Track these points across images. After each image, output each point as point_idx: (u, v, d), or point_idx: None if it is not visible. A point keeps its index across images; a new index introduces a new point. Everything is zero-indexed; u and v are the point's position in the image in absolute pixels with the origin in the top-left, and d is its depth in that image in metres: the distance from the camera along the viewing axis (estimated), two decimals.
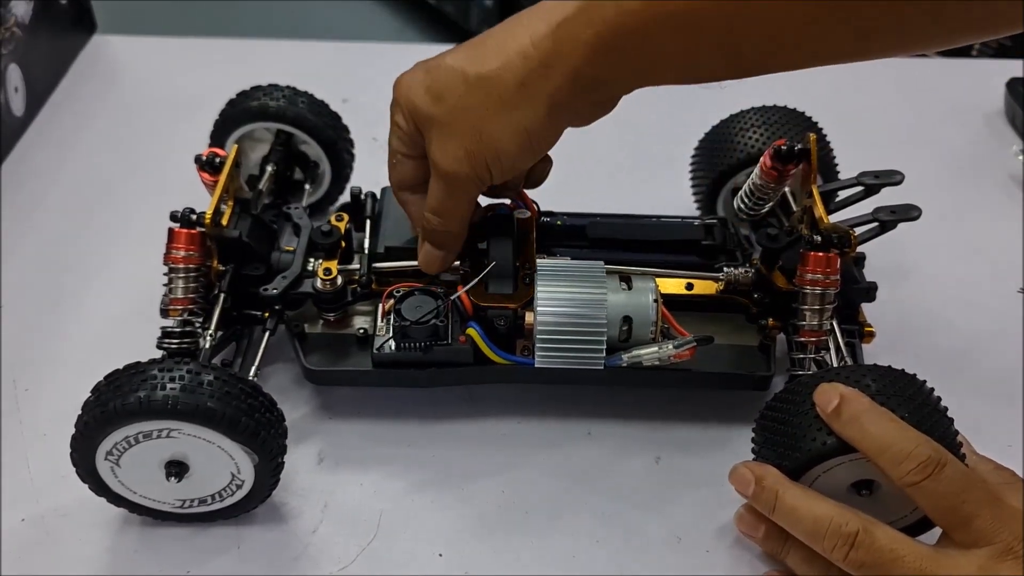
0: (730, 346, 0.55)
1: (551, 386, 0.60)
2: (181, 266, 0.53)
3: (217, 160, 0.57)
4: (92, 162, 0.76)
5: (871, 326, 0.56)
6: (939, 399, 0.47)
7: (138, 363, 0.47)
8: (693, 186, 0.67)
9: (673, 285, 0.56)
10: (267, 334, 0.55)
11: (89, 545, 0.51)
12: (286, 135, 0.64)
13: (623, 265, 0.55)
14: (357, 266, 0.56)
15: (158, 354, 0.52)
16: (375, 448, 0.56)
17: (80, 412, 0.47)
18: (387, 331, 0.53)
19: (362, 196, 0.60)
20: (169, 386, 0.45)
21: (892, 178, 0.54)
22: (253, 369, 0.53)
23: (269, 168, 0.63)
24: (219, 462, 0.48)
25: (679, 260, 0.57)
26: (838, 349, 0.53)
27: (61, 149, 0.78)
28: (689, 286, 0.57)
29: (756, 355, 0.55)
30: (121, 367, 0.48)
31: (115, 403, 0.45)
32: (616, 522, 0.53)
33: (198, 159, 0.57)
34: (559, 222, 0.59)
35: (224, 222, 0.54)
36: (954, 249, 0.67)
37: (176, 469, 0.48)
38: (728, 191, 0.64)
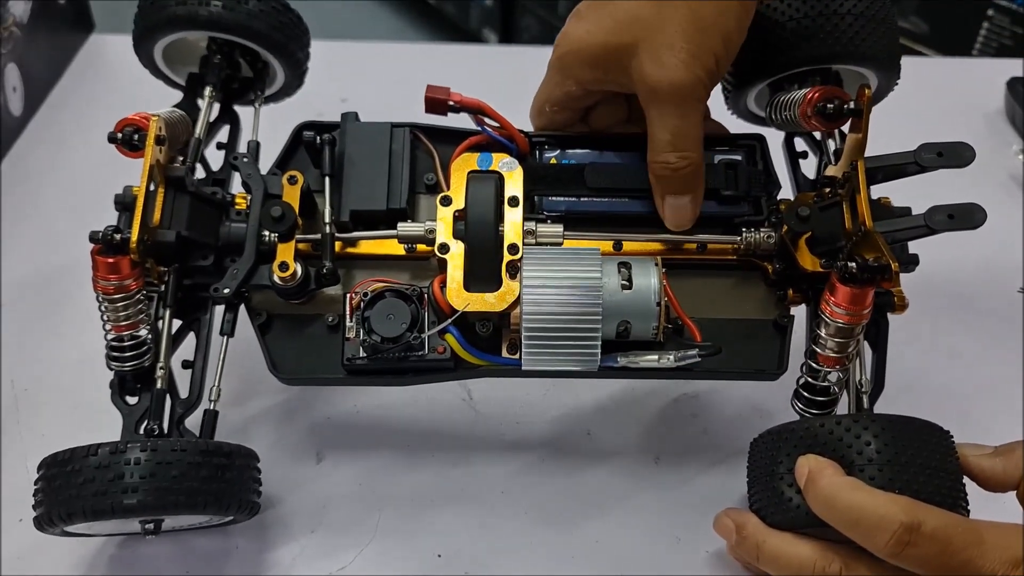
0: (741, 321, 0.50)
1: (550, 387, 0.60)
2: (114, 295, 0.46)
3: (136, 137, 0.48)
4: (91, 161, 0.76)
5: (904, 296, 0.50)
6: (948, 442, 0.45)
7: (73, 454, 0.43)
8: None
9: (685, 243, 0.51)
10: (225, 338, 0.50)
11: (89, 545, 0.51)
12: (223, 40, 0.57)
13: (627, 221, 0.50)
14: (319, 236, 0.50)
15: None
16: (374, 448, 0.56)
17: (33, 496, 0.45)
18: (356, 333, 0.47)
19: (318, 142, 0.51)
20: (111, 490, 0.42)
21: (959, 159, 0.48)
22: (214, 390, 0.49)
23: (206, 96, 0.56)
24: (193, 516, 0.47)
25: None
26: (858, 391, 0.49)
27: (60, 148, 0.78)
28: (702, 246, 0.51)
29: (769, 337, 0.50)
30: (56, 455, 0.44)
31: (59, 511, 0.43)
32: (615, 522, 0.53)
33: (112, 136, 0.49)
34: (552, 159, 0.52)
35: (156, 217, 0.47)
36: (953, 249, 0.67)
37: (152, 525, 0.46)
38: (764, 86, 0.57)
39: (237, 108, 0.61)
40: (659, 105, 0.46)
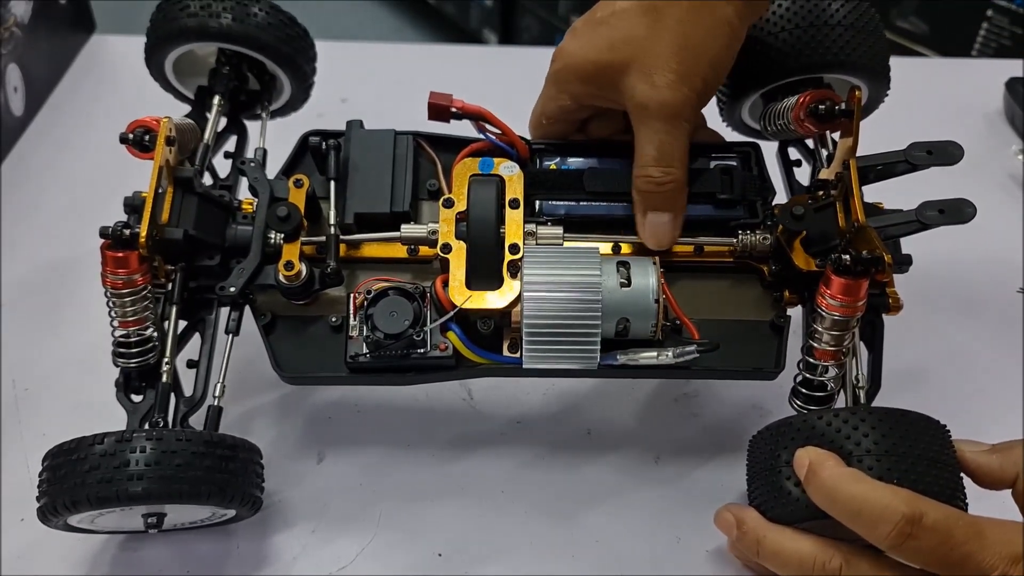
0: (739, 322, 0.50)
1: (550, 386, 0.60)
2: (122, 290, 0.47)
3: (147, 138, 0.49)
4: (92, 162, 0.76)
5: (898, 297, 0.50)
6: (945, 436, 0.45)
7: (79, 444, 0.44)
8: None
9: (682, 246, 0.51)
10: (230, 337, 0.50)
11: (89, 545, 0.51)
12: (232, 53, 0.58)
13: (624, 224, 0.51)
14: (323, 238, 0.50)
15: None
16: (375, 448, 0.56)
17: (37, 488, 0.45)
18: (360, 331, 0.48)
19: (323, 147, 0.52)
20: (116, 477, 0.42)
21: (948, 157, 0.49)
22: (218, 387, 0.50)
23: (215, 106, 0.57)
24: (196, 509, 0.47)
25: (692, 215, 0.51)
26: (854, 388, 0.49)
27: (61, 149, 0.78)
28: (699, 248, 0.51)
29: (767, 337, 0.50)
30: (62, 445, 0.45)
31: (63, 499, 0.43)
32: (615, 522, 0.53)
33: (123, 137, 0.50)
34: (552, 165, 0.53)
35: (165, 216, 0.48)
36: (954, 249, 0.67)
37: (155, 519, 0.47)
38: (757, 97, 0.58)
39: (244, 122, 0.62)
40: (647, 122, 0.47)
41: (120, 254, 0.46)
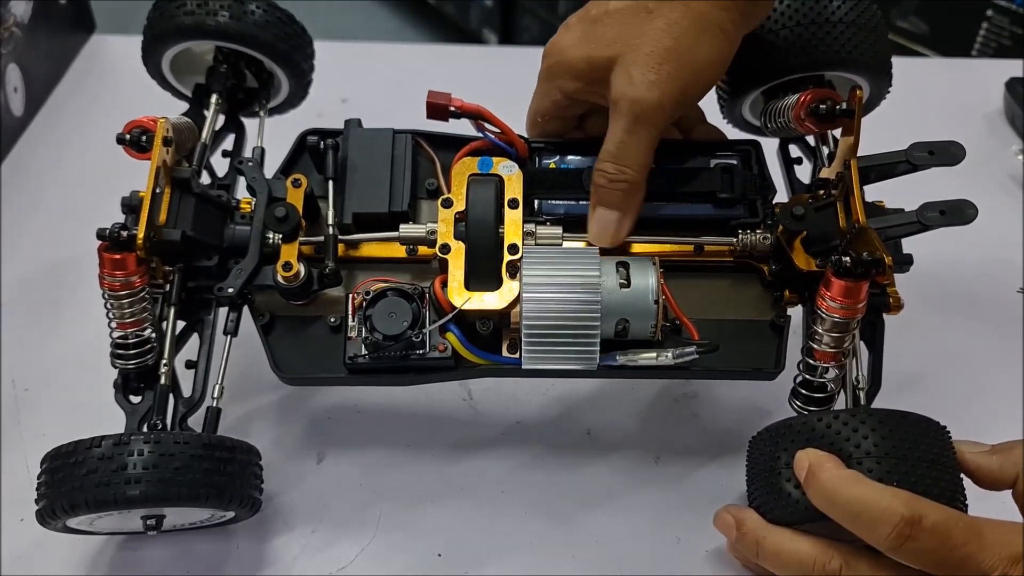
0: (739, 322, 0.50)
1: (550, 386, 0.60)
2: (120, 292, 0.47)
3: (144, 138, 0.49)
4: (91, 162, 0.76)
5: (898, 296, 0.50)
6: (945, 437, 0.45)
7: (77, 447, 0.44)
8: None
9: (682, 245, 0.51)
10: (229, 338, 0.50)
11: (89, 545, 0.51)
12: (229, 51, 0.58)
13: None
14: (322, 238, 0.50)
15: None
16: (375, 448, 0.56)
17: (36, 490, 0.46)
18: (359, 332, 0.48)
19: (321, 146, 0.52)
20: (114, 480, 0.42)
21: (950, 157, 0.49)
22: (216, 387, 0.49)
23: (212, 104, 0.57)
24: (195, 511, 0.47)
25: (692, 214, 0.51)
26: (855, 388, 0.49)
27: (60, 149, 0.78)
28: (699, 248, 0.51)
29: (767, 337, 0.50)
30: (60, 448, 0.45)
31: (61, 502, 0.43)
32: (615, 522, 0.53)
33: (120, 138, 0.49)
34: (551, 164, 0.53)
35: (162, 217, 0.48)
36: (954, 249, 0.67)
37: (154, 521, 0.46)
38: (758, 94, 0.58)
39: (242, 120, 0.62)
40: (616, 117, 0.48)
41: (117, 256, 0.46)
